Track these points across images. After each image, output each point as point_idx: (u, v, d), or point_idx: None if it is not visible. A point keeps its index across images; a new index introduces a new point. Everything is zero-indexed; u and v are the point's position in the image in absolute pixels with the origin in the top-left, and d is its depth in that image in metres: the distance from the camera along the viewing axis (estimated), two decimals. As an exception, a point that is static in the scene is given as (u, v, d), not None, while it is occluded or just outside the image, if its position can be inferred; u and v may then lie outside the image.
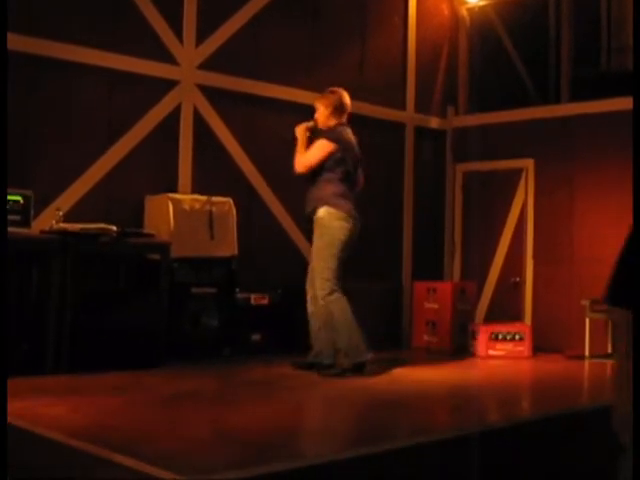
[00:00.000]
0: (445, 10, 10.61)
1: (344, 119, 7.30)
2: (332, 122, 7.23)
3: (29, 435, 4.41)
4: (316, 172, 7.12)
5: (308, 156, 7.12)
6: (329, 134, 7.14)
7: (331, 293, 6.97)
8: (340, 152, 7.08)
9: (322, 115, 7.28)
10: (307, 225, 7.46)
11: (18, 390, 5.68)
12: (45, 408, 5.07)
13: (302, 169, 7.14)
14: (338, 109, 7.26)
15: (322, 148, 7.08)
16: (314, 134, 7.30)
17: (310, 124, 7.30)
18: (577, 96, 9.97)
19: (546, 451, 5.08)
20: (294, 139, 7.27)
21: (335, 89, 7.37)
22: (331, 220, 7.00)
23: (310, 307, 7.15)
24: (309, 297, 7.16)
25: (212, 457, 4.06)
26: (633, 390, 2.03)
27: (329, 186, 7.06)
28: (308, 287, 7.18)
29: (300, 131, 7.25)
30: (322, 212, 7.03)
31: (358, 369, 6.90)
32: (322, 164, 7.07)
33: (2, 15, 3.78)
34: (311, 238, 7.26)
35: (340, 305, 6.99)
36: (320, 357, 7.05)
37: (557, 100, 10.35)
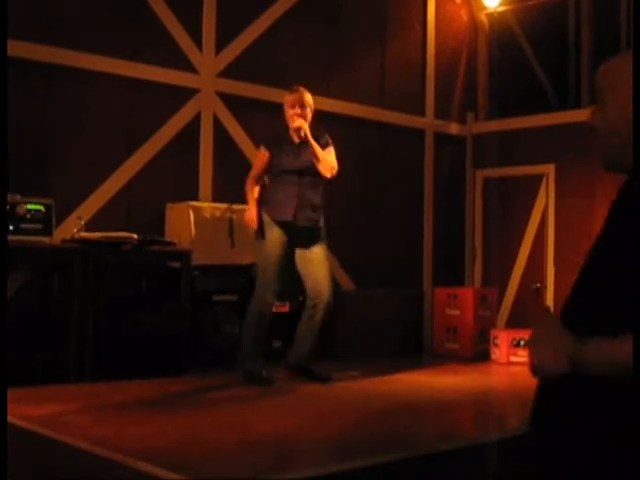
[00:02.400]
0: (464, 16, 10.60)
1: None
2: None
3: (54, 443, 4.42)
4: (319, 178, 6.80)
5: (335, 162, 6.79)
6: (331, 142, 6.85)
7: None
8: None
9: (309, 117, 6.82)
10: (291, 232, 6.75)
11: (42, 398, 5.71)
12: (69, 416, 5.09)
13: (333, 174, 6.80)
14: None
15: (334, 154, 6.82)
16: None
17: (306, 125, 6.76)
18: (597, 101, 9.91)
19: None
20: (304, 135, 6.71)
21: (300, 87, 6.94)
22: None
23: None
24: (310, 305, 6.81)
25: (236, 464, 4.06)
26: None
27: (320, 194, 6.87)
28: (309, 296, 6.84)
29: (308, 132, 6.72)
30: (322, 221, 6.87)
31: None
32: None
33: (2, 19, 3.80)
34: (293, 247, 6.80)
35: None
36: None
37: (577, 105, 10.31)
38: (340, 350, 7.73)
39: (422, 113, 10.08)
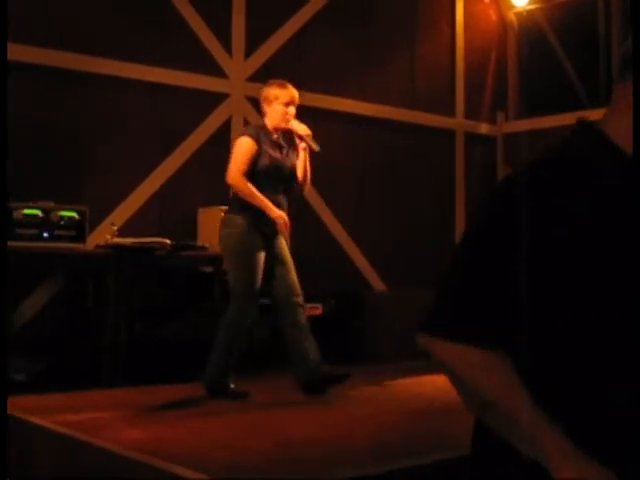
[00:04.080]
0: (493, 15, 10.58)
1: None
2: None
3: (88, 447, 4.46)
4: (295, 184, 6.34)
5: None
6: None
7: None
8: None
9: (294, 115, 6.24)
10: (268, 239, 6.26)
11: (76, 403, 5.76)
12: (103, 421, 5.12)
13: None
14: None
15: None
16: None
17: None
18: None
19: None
20: (299, 139, 6.24)
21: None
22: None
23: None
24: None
25: (270, 468, 4.07)
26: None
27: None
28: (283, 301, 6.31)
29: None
30: None
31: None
32: None
33: (2, 25, 3.83)
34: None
35: None
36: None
37: (608, 102, 10.21)
38: (371, 351, 7.72)
39: (452, 114, 10.07)
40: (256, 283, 6.08)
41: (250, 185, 6.03)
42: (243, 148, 6.07)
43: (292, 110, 6.15)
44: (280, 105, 6.13)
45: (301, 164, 6.20)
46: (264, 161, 6.04)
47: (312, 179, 8.50)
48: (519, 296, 1.81)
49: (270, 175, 6.07)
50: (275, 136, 6.17)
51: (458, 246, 1.98)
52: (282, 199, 6.19)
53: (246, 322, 6.14)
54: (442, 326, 1.92)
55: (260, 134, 6.10)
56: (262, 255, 6.11)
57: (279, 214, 6.10)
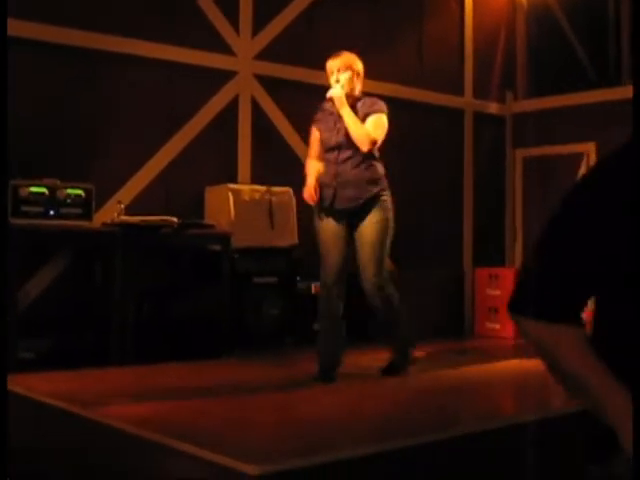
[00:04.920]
0: (502, -7, 10.52)
1: None
2: (359, 91, 6.18)
3: (96, 424, 4.46)
4: (360, 153, 6.01)
5: (378, 132, 6.01)
6: (384, 108, 6.14)
7: (388, 282, 6.15)
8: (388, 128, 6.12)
9: (351, 82, 6.06)
10: (347, 217, 6.06)
11: (85, 381, 5.76)
12: (111, 399, 5.11)
13: (371, 146, 5.98)
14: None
15: (385, 124, 6.08)
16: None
17: (344, 92, 6.03)
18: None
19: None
20: (332, 104, 6.09)
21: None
22: (389, 203, 6.07)
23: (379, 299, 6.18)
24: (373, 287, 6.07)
25: (278, 445, 4.06)
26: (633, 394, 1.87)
27: (379, 166, 6.11)
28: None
29: (341, 99, 5.99)
30: (384, 195, 6.04)
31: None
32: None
33: (2, 12, 3.81)
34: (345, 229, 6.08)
35: (396, 298, 6.24)
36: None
37: (618, 81, 10.20)
38: (379, 330, 7.67)
39: (461, 93, 10.01)
40: (325, 267, 6.02)
41: (307, 165, 6.24)
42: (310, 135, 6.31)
43: (336, 77, 6.04)
44: (328, 77, 6.13)
45: (346, 127, 6.00)
46: (322, 140, 6.16)
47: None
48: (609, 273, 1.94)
49: (325, 149, 6.12)
50: (329, 105, 6.14)
51: (551, 225, 2.07)
52: (336, 168, 6.02)
53: (327, 307, 6.05)
54: (534, 305, 2.02)
55: (318, 113, 6.24)
56: (330, 234, 6.03)
57: (305, 188, 6.09)
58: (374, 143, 5.97)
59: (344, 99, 5.96)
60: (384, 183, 6.08)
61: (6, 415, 3.56)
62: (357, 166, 6.00)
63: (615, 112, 9.43)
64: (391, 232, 6.06)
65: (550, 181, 10.13)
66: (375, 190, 6.00)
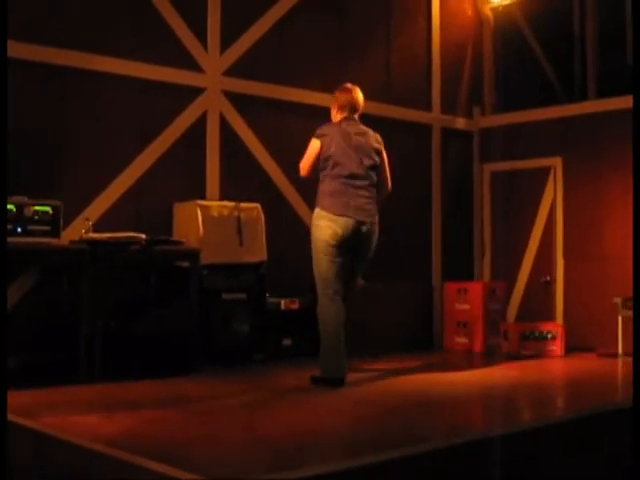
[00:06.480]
0: (469, 10, 10.59)
1: (352, 114, 6.84)
2: (338, 118, 6.87)
3: (64, 444, 4.43)
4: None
5: (303, 159, 6.77)
6: (316, 132, 6.78)
7: (322, 297, 6.62)
8: (325, 147, 6.65)
9: (332, 114, 6.93)
10: None
11: (52, 400, 5.72)
12: (80, 417, 5.09)
13: (301, 173, 6.79)
14: (343, 105, 6.82)
15: (309, 148, 6.73)
16: None
17: None
18: (604, 92, 9.92)
19: (577, 450, 5.05)
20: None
21: (345, 85, 6.95)
22: (315, 220, 6.60)
23: None
24: None
25: (246, 462, 4.06)
26: (633, 390, 1.87)
27: (320, 185, 6.67)
28: None
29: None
30: (314, 213, 6.66)
31: (329, 383, 6.45)
32: (317, 164, 6.69)
33: (3, 23, 3.81)
34: None
35: (323, 314, 6.63)
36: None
37: (583, 97, 10.29)
38: (349, 345, 7.69)
39: (428, 108, 10.07)
40: None
41: None
42: None
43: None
44: None
45: None
46: None
47: (290, 175, 8.51)
48: None
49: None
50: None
51: None
52: None
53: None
54: None
55: None
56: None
57: None
58: (302, 170, 6.81)
59: None
60: (319, 200, 6.65)
61: (5, 415, 3.52)
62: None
63: (581, 127, 9.54)
64: (320, 246, 6.56)
65: (518, 195, 10.20)
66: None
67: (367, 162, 6.72)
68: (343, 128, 6.74)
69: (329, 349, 6.50)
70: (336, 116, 6.88)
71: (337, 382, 6.41)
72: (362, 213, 6.61)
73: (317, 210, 6.61)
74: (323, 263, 6.52)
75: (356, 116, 6.87)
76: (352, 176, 6.62)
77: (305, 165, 6.73)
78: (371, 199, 6.71)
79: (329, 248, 6.49)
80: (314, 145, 6.69)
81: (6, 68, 3.76)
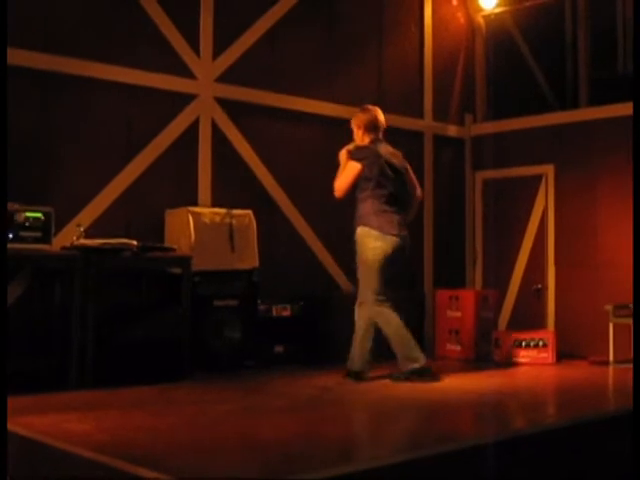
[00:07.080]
0: (461, 18, 10.61)
1: (379, 135, 7.37)
2: (366, 140, 7.31)
3: (55, 451, 4.42)
4: (354, 193, 7.24)
5: (340, 180, 7.23)
6: (354, 154, 7.23)
7: (376, 306, 7.14)
8: (367, 169, 7.15)
9: (357, 135, 7.36)
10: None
11: (43, 406, 5.71)
12: (71, 424, 5.07)
13: (338, 194, 7.26)
14: (370, 127, 7.32)
15: (349, 169, 7.19)
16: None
17: (350, 146, 7.34)
18: (595, 100, 9.94)
19: (569, 458, 5.05)
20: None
21: (366, 106, 7.46)
22: (363, 238, 7.15)
23: (355, 315, 7.28)
24: (355, 306, 7.31)
25: (239, 470, 4.05)
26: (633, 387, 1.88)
27: (362, 205, 7.20)
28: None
29: (342, 155, 7.31)
30: (358, 231, 7.20)
31: (419, 374, 7.10)
32: (355, 185, 7.19)
33: (2, 28, 3.80)
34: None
35: (384, 317, 7.15)
36: (349, 363, 7.22)
37: (575, 105, 10.31)
38: (341, 353, 7.70)
39: (420, 115, 10.08)
40: None
41: None
42: None
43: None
44: None
45: None
46: None
47: (282, 181, 8.53)
48: None
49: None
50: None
51: None
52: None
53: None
54: None
55: None
56: None
57: None
58: (339, 191, 7.27)
59: (343, 156, 7.31)
60: (364, 220, 7.20)
61: (5, 416, 3.51)
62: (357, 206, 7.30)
63: (573, 135, 9.55)
64: (372, 263, 7.13)
65: (509, 203, 10.21)
66: (355, 227, 7.25)
67: (401, 181, 7.38)
68: (379, 150, 7.26)
69: (407, 341, 7.20)
70: (363, 138, 7.33)
71: (428, 370, 7.19)
72: (401, 228, 7.27)
73: (365, 229, 7.17)
74: (376, 277, 7.12)
75: (381, 135, 7.37)
76: (392, 195, 7.24)
77: (343, 186, 7.23)
78: (404, 214, 7.41)
79: (378, 264, 7.10)
80: (355, 167, 7.17)
81: (6, 73, 3.75)
